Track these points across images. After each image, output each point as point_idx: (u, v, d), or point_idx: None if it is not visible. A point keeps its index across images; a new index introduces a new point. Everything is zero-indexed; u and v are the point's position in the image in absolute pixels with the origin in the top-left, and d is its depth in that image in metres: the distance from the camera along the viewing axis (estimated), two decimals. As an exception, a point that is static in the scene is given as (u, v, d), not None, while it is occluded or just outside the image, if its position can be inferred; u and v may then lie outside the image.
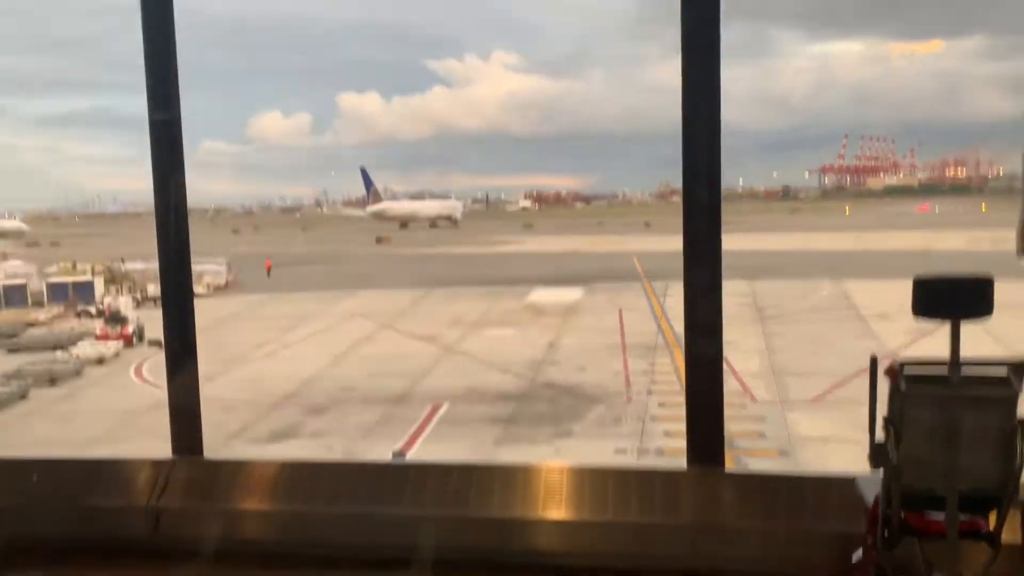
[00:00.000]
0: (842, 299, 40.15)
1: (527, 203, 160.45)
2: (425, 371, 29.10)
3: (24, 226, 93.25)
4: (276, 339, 35.52)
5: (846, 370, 24.20)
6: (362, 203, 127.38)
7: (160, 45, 4.57)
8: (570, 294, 45.29)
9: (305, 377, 28.79)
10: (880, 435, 2.61)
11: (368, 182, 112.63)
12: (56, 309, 44.63)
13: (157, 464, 4.69)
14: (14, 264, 56.67)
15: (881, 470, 2.61)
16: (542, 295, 45.51)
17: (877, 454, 2.61)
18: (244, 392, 26.62)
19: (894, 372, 2.55)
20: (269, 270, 58.83)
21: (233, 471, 4.73)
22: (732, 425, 20.92)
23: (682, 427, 4.20)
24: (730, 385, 24.68)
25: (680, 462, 4.24)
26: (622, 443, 21.20)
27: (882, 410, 2.65)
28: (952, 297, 2.63)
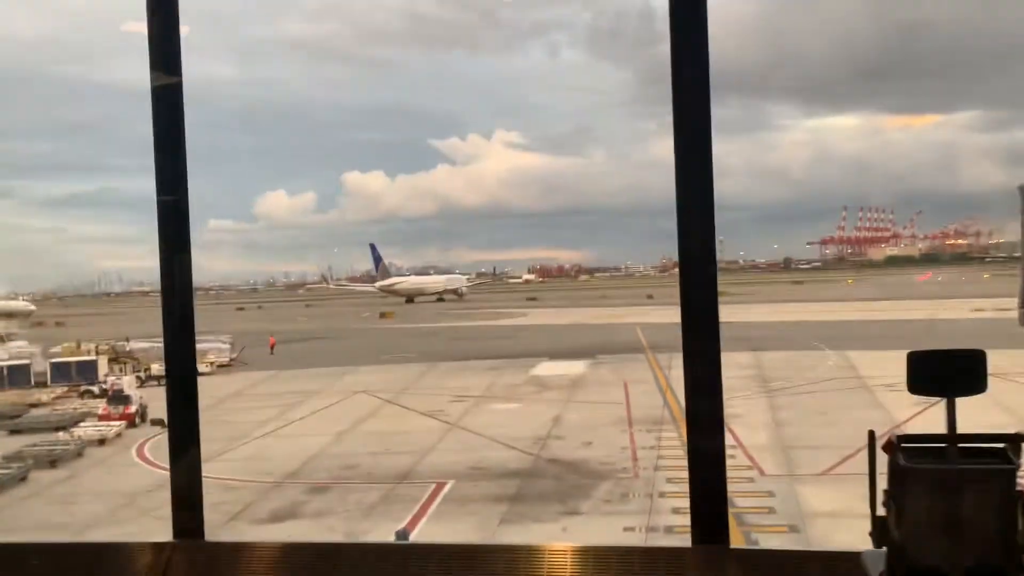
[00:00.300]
0: (848, 369, 39.95)
1: (530, 276, 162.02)
2: (429, 447, 28.81)
3: (31, 306, 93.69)
4: (279, 416, 35.29)
5: (855, 442, 23.87)
6: (366, 279, 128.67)
7: (169, 128, 4.72)
8: (574, 367, 45.16)
9: (307, 455, 28.50)
10: (881, 511, 2.61)
11: (377, 258, 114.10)
12: (59, 389, 44.54)
13: (158, 547, 4.63)
14: (18, 344, 56.78)
15: (884, 547, 2.59)
16: (546, 368, 45.38)
17: (879, 531, 2.60)
18: (246, 471, 26.33)
19: (892, 447, 2.56)
20: (273, 347, 58.89)
21: (234, 554, 4.67)
22: (741, 500, 20.61)
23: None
24: (738, 459, 24.51)
25: (687, 540, 4.20)
26: (630, 521, 20.82)
27: (883, 486, 2.64)
28: (946, 373, 2.67)
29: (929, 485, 2.51)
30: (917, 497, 2.51)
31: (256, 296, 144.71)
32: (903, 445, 2.57)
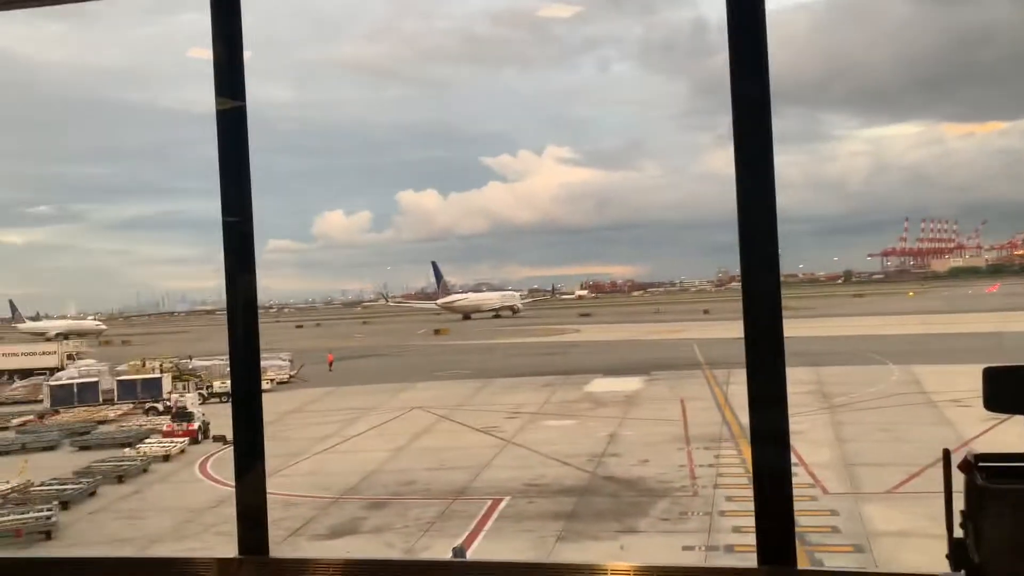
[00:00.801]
0: (912, 384, 38.84)
1: (583, 292, 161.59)
2: (484, 464, 28.83)
3: (101, 325, 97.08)
4: (337, 432, 35.74)
5: (921, 460, 23.19)
6: (420, 296, 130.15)
7: (234, 151, 4.83)
8: (629, 383, 44.78)
9: (366, 471, 28.77)
10: (959, 532, 2.51)
11: (439, 276, 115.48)
12: (125, 406, 45.87)
13: (223, 563, 4.70)
14: (87, 363, 58.75)
15: (963, 571, 2.49)
16: (601, 385, 45.11)
17: (957, 553, 2.50)
18: (306, 487, 26.68)
19: (969, 466, 2.47)
20: (331, 364, 59.76)
21: (298, 570, 4.72)
22: (804, 519, 20.09)
23: (752, 522, 4.08)
24: (800, 477, 23.94)
25: (751, 560, 4.10)
26: (689, 540, 20.49)
27: (959, 506, 2.55)
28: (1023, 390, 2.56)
29: (1010, 506, 2.41)
30: (997, 518, 2.42)
31: (314, 314, 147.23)
32: (980, 464, 2.48)
